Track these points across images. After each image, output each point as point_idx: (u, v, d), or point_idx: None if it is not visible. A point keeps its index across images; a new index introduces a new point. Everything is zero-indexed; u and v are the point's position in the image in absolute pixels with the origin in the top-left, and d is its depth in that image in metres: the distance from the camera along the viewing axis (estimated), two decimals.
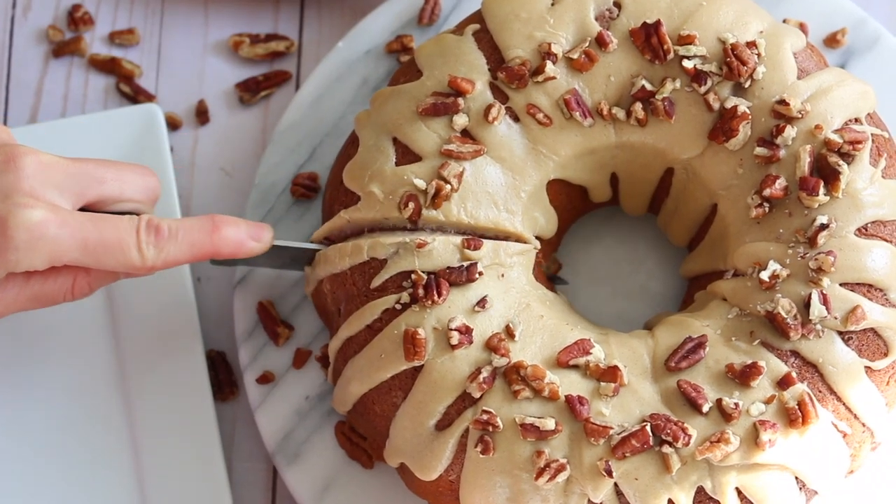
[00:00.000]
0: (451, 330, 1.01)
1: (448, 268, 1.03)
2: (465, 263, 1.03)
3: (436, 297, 1.02)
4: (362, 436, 1.12)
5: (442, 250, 1.04)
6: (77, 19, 1.27)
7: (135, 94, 1.25)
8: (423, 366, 1.02)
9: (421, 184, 1.04)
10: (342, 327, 1.06)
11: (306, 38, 1.27)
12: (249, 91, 1.25)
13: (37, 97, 1.26)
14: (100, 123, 1.21)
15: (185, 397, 1.16)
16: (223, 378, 1.20)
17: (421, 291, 1.02)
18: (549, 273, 1.16)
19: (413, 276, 1.03)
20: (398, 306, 1.03)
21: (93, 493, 1.16)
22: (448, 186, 1.03)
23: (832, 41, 1.21)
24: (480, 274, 1.03)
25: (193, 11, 1.28)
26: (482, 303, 1.03)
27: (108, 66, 1.26)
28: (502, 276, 1.05)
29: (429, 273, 1.03)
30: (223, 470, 1.15)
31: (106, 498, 1.16)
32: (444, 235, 1.04)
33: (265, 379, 1.16)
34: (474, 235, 1.05)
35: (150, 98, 1.25)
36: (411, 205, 1.03)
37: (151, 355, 1.17)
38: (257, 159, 1.24)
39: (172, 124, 1.25)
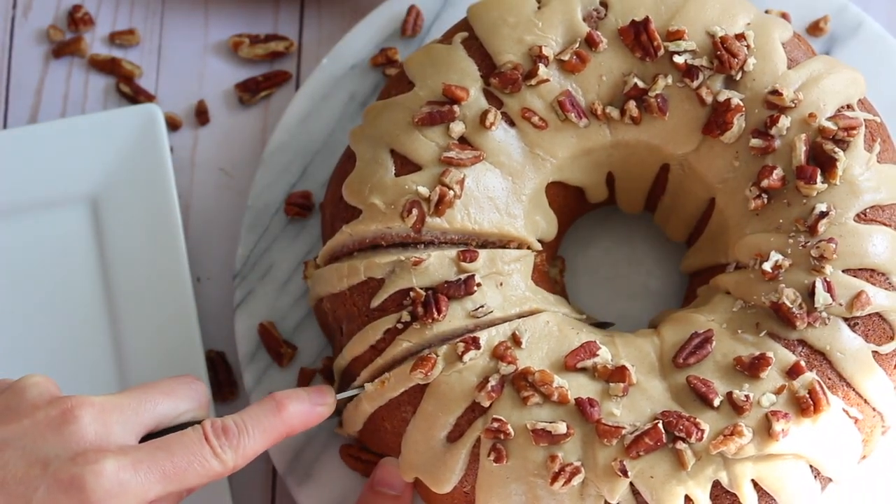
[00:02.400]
0: (458, 342, 1.01)
1: (446, 282, 1.03)
2: (463, 276, 1.03)
3: (435, 315, 1.02)
4: (373, 452, 1.12)
5: (438, 265, 1.03)
6: (77, 20, 1.27)
7: (135, 95, 1.25)
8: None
9: (424, 191, 1.03)
10: (346, 348, 1.06)
11: (306, 39, 1.27)
12: (249, 91, 1.25)
13: (37, 97, 1.27)
14: (100, 123, 1.21)
15: None
16: (223, 378, 1.19)
17: (420, 310, 1.02)
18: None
19: (412, 293, 1.03)
20: (400, 325, 1.03)
21: None
22: (451, 192, 1.03)
23: (815, 29, 1.22)
24: (479, 285, 1.03)
25: (193, 12, 1.28)
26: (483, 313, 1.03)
27: (108, 67, 1.26)
28: (501, 284, 1.05)
29: (427, 289, 1.03)
30: None
31: None
32: (439, 250, 1.04)
33: None
34: (478, 242, 1.05)
35: (150, 98, 1.26)
36: (415, 212, 1.03)
37: (151, 355, 1.17)
38: (257, 159, 1.24)
39: (172, 124, 1.25)
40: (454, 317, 1.02)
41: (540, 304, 1.06)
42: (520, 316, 1.04)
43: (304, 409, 1.01)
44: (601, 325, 1.12)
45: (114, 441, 0.94)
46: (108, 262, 1.19)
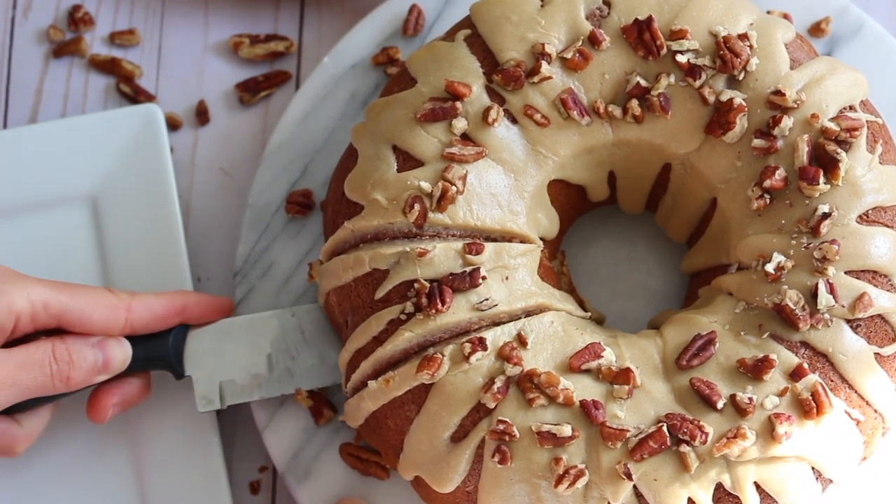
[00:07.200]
0: (465, 342, 1.01)
1: (451, 274, 1.02)
2: (468, 269, 1.02)
3: (440, 306, 1.01)
4: (373, 450, 1.12)
5: (443, 257, 1.03)
6: (77, 20, 1.27)
7: (135, 95, 1.25)
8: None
9: (426, 186, 1.03)
10: (350, 339, 1.06)
11: (306, 39, 1.27)
12: (249, 91, 1.25)
13: (37, 97, 1.26)
14: (100, 123, 1.21)
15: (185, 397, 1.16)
16: None
17: (424, 300, 1.01)
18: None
19: (416, 284, 1.02)
20: (403, 316, 1.03)
21: (93, 493, 1.16)
22: (454, 188, 1.02)
23: (817, 30, 1.21)
24: (484, 278, 1.03)
25: (193, 12, 1.28)
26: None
27: (108, 67, 1.26)
28: (507, 278, 1.04)
29: (432, 281, 1.02)
30: (223, 470, 1.15)
31: (106, 498, 1.15)
32: (445, 242, 1.03)
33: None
34: (479, 238, 1.04)
35: (150, 98, 1.25)
36: (417, 207, 1.02)
37: None
38: (257, 159, 1.24)
39: (172, 124, 1.25)
40: (458, 309, 1.02)
41: (546, 299, 1.05)
42: (525, 310, 1.04)
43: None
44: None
45: None
46: (108, 262, 1.19)
